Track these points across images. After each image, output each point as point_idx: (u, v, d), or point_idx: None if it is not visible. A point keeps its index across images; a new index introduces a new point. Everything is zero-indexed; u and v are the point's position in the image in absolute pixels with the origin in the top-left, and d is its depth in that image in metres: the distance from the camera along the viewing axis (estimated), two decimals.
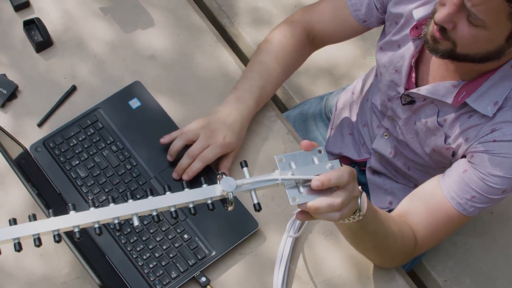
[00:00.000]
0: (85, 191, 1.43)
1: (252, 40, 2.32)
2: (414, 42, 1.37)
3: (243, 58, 2.33)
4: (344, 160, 1.72)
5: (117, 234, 1.39)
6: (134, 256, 1.37)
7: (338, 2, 1.51)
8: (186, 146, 1.44)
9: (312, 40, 1.57)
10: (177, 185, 1.44)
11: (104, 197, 1.42)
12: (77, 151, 1.47)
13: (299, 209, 1.40)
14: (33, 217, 0.99)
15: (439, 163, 1.45)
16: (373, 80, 1.62)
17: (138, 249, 1.38)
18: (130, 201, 1.02)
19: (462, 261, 1.89)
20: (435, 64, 1.37)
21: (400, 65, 1.42)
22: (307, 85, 2.28)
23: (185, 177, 1.42)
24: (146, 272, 1.36)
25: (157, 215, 1.02)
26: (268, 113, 1.57)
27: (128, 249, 1.38)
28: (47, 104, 1.55)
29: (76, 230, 0.99)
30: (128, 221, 1.40)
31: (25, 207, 1.44)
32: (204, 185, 1.04)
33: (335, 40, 1.58)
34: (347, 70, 2.32)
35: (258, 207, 1.04)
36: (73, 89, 1.57)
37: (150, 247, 1.38)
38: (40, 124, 1.53)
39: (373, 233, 1.23)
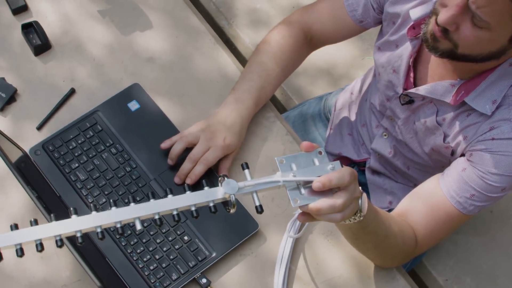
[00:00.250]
0: (85, 194, 1.43)
1: (251, 41, 2.33)
2: (411, 42, 1.37)
3: (242, 60, 2.33)
4: (344, 160, 1.72)
5: (117, 237, 1.39)
6: (135, 258, 1.37)
7: (335, 2, 1.51)
8: (187, 149, 1.44)
9: (309, 41, 1.57)
10: (177, 187, 1.44)
11: (104, 200, 1.42)
12: (76, 154, 1.47)
13: (299, 210, 1.41)
14: (35, 222, 0.98)
15: (438, 162, 1.45)
16: (371, 80, 1.62)
17: (138, 251, 1.38)
18: (132, 204, 1.01)
19: (463, 260, 1.89)
20: (433, 64, 1.37)
21: (398, 65, 1.42)
22: (306, 86, 2.28)
23: (189, 181, 1.42)
24: (146, 274, 1.36)
25: (159, 219, 1.02)
26: (267, 114, 1.57)
27: (129, 251, 1.38)
28: (46, 107, 1.55)
29: (78, 235, 0.99)
30: (128, 224, 1.40)
31: (25, 210, 1.44)
32: (206, 188, 1.04)
33: (332, 40, 1.58)
34: (346, 71, 2.32)
35: (260, 209, 1.04)
36: (72, 92, 1.58)
37: (151, 249, 1.38)
38: (39, 127, 1.53)
39: (374, 233, 1.23)
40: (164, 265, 1.37)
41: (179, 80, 1.61)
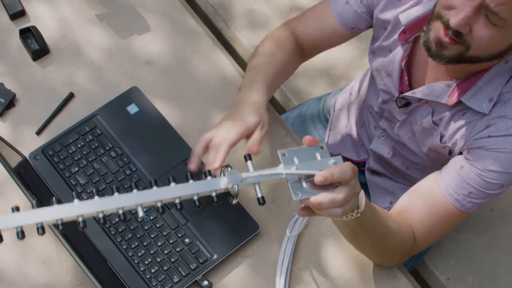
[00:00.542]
0: (85, 198, 1.43)
1: (249, 42, 2.33)
2: (403, 46, 1.36)
3: (240, 61, 2.33)
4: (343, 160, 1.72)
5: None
6: (136, 262, 1.37)
7: (323, 12, 1.50)
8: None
9: (301, 49, 1.55)
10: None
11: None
12: (76, 158, 1.47)
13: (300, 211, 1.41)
14: (37, 205, 0.97)
15: (437, 161, 1.45)
16: (369, 81, 1.62)
17: (139, 254, 1.38)
18: (135, 191, 1.01)
19: (464, 259, 1.89)
20: (428, 66, 1.36)
21: (391, 69, 1.42)
22: (305, 87, 2.28)
23: (217, 164, 1.25)
24: (148, 277, 1.36)
25: (162, 207, 1.01)
26: None
27: (130, 254, 1.38)
28: (45, 112, 1.55)
29: (80, 219, 0.98)
30: (129, 227, 1.40)
31: None
32: (209, 178, 1.04)
33: (324, 48, 1.57)
34: (344, 71, 2.32)
35: (262, 201, 1.04)
36: (71, 96, 1.58)
37: (152, 252, 1.38)
38: (38, 132, 1.53)
39: (372, 230, 1.22)
40: (165, 267, 1.37)
41: (177, 83, 1.61)
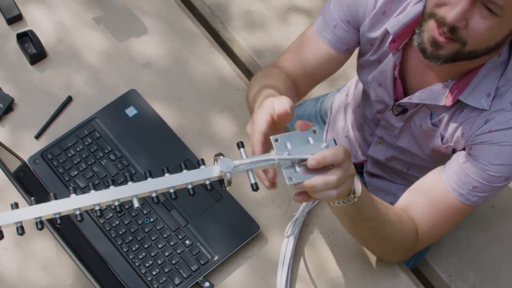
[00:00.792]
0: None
1: (247, 43, 2.33)
2: (394, 55, 1.34)
3: (238, 62, 2.33)
4: None
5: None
6: (137, 264, 1.37)
7: (311, 42, 1.44)
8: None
9: (295, 86, 1.47)
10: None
11: (104, 207, 1.42)
12: (75, 162, 1.47)
13: (300, 211, 1.41)
14: (36, 201, 0.98)
15: (441, 161, 1.44)
16: (361, 90, 1.60)
17: (140, 256, 1.38)
18: (130, 183, 1.02)
19: (466, 256, 1.89)
20: (421, 70, 1.34)
21: (383, 79, 1.41)
22: None
23: (257, 148, 1.12)
24: (149, 279, 1.36)
25: (157, 197, 1.02)
26: None
27: (130, 257, 1.38)
28: (44, 116, 1.55)
29: (77, 212, 0.99)
30: (129, 229, 1.40)
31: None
32: (202, 166, 1.04)
33: (322, 79, 1.50)
34: (342, 70, 2.30)
35: (255, 187, 1.04)
36: (69, 100, 1.57)
37: (152, 254, 1.38)
38: (37, 136, 1.53)
39: (371, 219, 1.22)
40: (166, 269, 1.37)
41: (175, 85, 1.61)
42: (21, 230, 0.97)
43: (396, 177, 1.63)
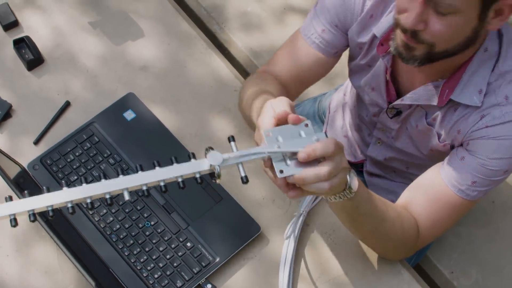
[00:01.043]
0: (85, 206, 1.42)
1: (243, 44, 2.33)
2: (384, 58, 1.35)
3: (235, 63, 2.33)
4: None
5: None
6: (138, 268, 1.37)
7: (299, 47, 1.44)
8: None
9: (285, 90, 1.47)
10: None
11: (104, 211, 1.42)
12: (74, 167, 1.47)
13: (300, 212, 1.41)
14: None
15: (440, 159, 1.44)
16: (356, 94, 1.59)
17: (141, 260, 1.38)
18: (121, 176, 1.02)
19: (467, 252, 1.89)
20: (412, 71, 1.34)
21: (376, 82, 1.41)
22: None
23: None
24: (151, 282, 1.36)
25: (147, 190, 1.02)
26: None
27: (132, 260, 1.38)
28: (42, 121, 1.55)
29: (69, 205, 1.00)
30: (130, 233, 1.40)
31: (26, 226, 1.43)
32: (192, 160, 1.04)
33: (310, 82, 1.51)
34: (341, 69, 2.30)
35: (245, 180, 1.04)
36: (67, 105, 1.57)
37: (154, 257, 1.38)
38: (36, 142, 1.53)
39: (369, 215, 1.22)
40: (168, 272, 1.37)
41: (173, 87, 1.61)
42: (14, 222, 0.97)
43: (396, 175, 1.63)
